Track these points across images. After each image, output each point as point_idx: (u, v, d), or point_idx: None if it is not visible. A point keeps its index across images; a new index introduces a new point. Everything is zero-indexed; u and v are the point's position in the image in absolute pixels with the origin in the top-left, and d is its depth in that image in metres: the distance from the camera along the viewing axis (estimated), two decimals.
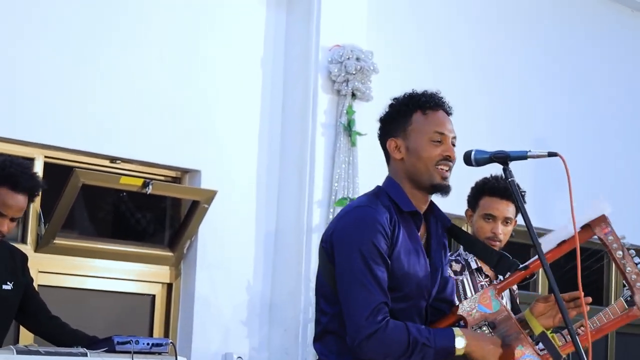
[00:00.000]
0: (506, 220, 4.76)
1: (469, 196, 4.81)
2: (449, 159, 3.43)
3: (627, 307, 5.29)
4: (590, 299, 3.52)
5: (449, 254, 3.67)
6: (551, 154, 3.38)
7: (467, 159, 3.45)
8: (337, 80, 6.23)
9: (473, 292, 4.66)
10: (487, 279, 4.85)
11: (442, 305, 3.52)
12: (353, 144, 6.25)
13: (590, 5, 8.24)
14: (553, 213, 7.38)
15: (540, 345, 3.53)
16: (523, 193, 4.42)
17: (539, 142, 7.68)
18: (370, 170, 6.18)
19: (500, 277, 4.89)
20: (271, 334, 6.18)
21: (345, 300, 3.29)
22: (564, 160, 3.33)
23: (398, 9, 6.88)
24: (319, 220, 6.16)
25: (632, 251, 3.46)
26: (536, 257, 3.41)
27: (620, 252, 3.43)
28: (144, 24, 5.80)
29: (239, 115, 6.18)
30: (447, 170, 3.42)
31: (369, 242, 3.27)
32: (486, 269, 4.86)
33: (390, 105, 3.53)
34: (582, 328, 3.76)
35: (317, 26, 6.29)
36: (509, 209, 4.78)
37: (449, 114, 3.53)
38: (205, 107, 6.02)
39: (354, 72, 6.19)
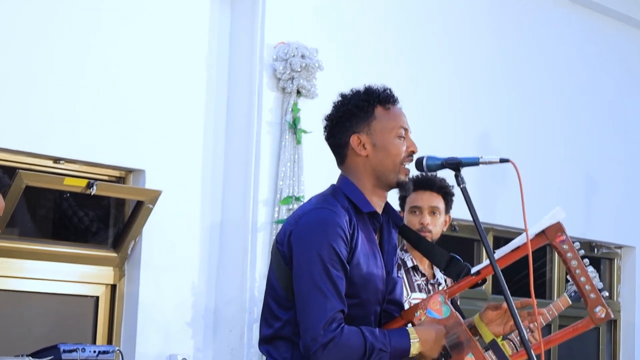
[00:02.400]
0: (432, 211, 4.76)
1: (399, 198, 4.81)
2: (412, 155, 3.39)
3: (570, 302, 5.34)
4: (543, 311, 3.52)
5: (398, 253, 3.63)
6: (503, 160, 3.37)
7: (419, 165, 3.41)
8: (282, 78, 6.19)
9: (409, 291, 4.66)
10: (423, 278, 4.84)
11: (391, 307, 3.48)
12: (298, 141, 6.22)
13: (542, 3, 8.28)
14: (496, 207, 7.42)
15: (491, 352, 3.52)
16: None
17: (483, 136, 7.70)
18: (316, 168, 6.18)
19: (438, 276, 4.90)
20: (216, 334, 6.14)
21: (301, 306, 3.21)
22: (515, 167, 3.32)
23: (343, 6, 6.84)
24: (264, 219, 6.12)
25: (586, 260, 3.46)
26: (487, 262, 3.41)
27: (575, 262, 3.42)
28: (86, 22, 5.71)
29: (183, 114, 6.11)
30: (408, 167, 3.40)
31: (329, 246, 3.20)
32: (423, 267, 4.85)
33: (344, 102, 3.42)
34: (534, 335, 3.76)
35: (262, 23, 6.24)
36: (433, 199, 4.79)
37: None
38: (149, 105, 5.94)
39: (299, 70, 6.15)
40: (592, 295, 3.42)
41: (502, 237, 7.90)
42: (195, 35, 6.21)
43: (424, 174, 4.60)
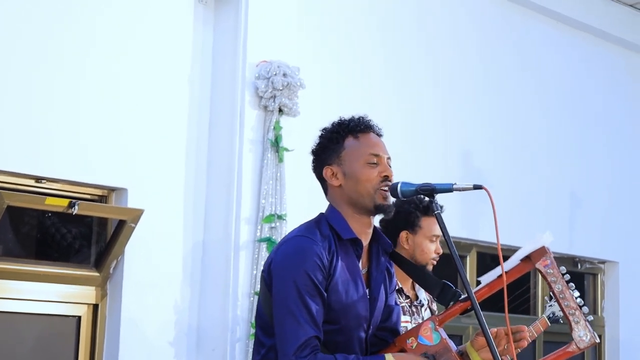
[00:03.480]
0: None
1: (400, 219, 4.79)
2: (387, 179, 3.44)
3: (549, 324, 5.38)
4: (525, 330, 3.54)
5: (394, 282, 3.65)
6: (476, 187, 3.41)
7: (394, 192, 3.45)
8: (264, 96, 6.19)
9: None
10: (407, 300, 4.86)
11: (385, 335, 3.54)
12: (280, 160, 6.22)
13: (511, 13, 8.31)
14: (480, 223, 7.44)
15: None
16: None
17: (467, 154, 7.73)
18: (298, 186, 6.18)
19: (421, 297, 4.92)
20: (199, 353, 6.12)
21: (278, 332, 3.29)
22: (489, 194, 3.36)
23: (326, 25, 6.87)
24: (246, 237, 6.11)
25: (572, 284, 3.47)
26: (477, 288, 3.47)
27: (560, 286, 3.45)
28: (67, 41, 5.71)
29: (166, 133, 6.10)
30: (387, 191, 3.43)
31: (304, 274, 3.28)
32: (406, 289, 4.87)
33: (320, 136, 3.54)
34: None
35: (244, 42, 6.25)
36: None
37: (379, 135, 3.55)
38: (132, 124, 5.94)
39: (280, 88, 6.16)
40: (577, 320, 3.43)
41: (486, 253, 7.92)
42: (177, 53, 6.21)
43: (423, 197, 4.61)
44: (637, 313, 8.84)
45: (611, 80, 9.15)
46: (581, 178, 8.68)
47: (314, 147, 3.54)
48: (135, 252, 5.90)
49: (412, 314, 4.85)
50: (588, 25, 8.78)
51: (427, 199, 3.57)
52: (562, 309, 3.45)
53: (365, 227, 3.48)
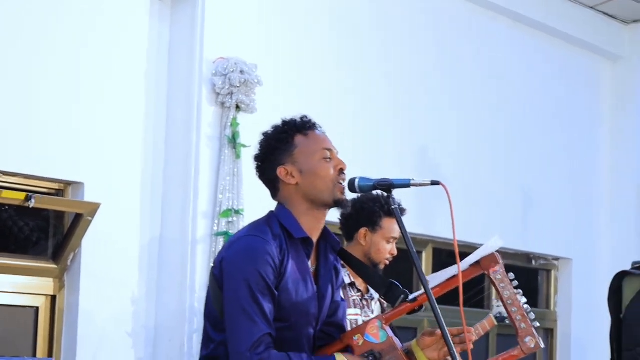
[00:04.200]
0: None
1: (362, 215, 4.86)
2: (343, 172, 3.50)
3: (496, 323, 5.49)
4: (471, 330, 3.61)
5: (342, 276, 3.73)
6: (434, 183, 3.47)
7: (351, 186, 3.52)
8: (221, 93, 6.24)
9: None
10: (358, 294, 4.93)
11: (332, 330, 3.60)
12: (238, 156, 6.27)
13: (468, 10, 8.40)
14: (436, 219, 7.51)
15: None
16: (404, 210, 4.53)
17: (422, 151, 7.81)
18: (255, 181, 6.17)
19: (371, 291, 4.99)
20: (156, 345, 6.17)
21: (230, 330, 3.33)
22: (446, 189, 3.43)
23: (283, 22, 6.93)
24: (203, 232, 6.17)
25: (520, 290, 3.53)
26: (423, 290, 3.49)
27: (507, 292, 3.51)
28: (22, 35, 5.74)
29: (123, 127, 6.15)
30: (343, 185, 3.50)
31: (256, 273, 3.32)
32: (358, 283, 4.94)
33: (266, 139, 3.56)
34: None
35: (201, 38, 6.29)
36: None
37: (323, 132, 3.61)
38: (88, 118, 5.98)
39: (238, 85, 6.21)
40: (523, 326, 3.50)
41: (442, 249, 7.99)
42: (134, 49, 6.25)
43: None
44: (589, 309, 8.94)
45: (568, 80, 9.23)
46: (537, 175, 8.76)
47: (260, 152, 3.56)
48: (93, 245, 5.94)
49: (362, 307, 4.92)
50: (548, 25, 8.84)
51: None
52: (509, 315, 3.52)
53: (318, 224, 3.52)
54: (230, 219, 6.18)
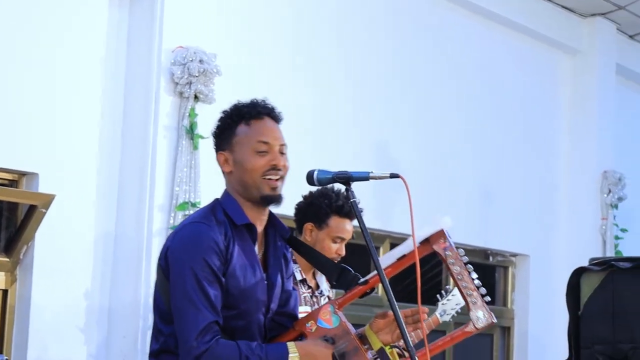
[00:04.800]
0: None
1: (310, 210, 4.79)
2: (276, 168, 3.41)
3: (440, 321, 5.45)
4: (426, 310, 3.58)
5: (291, 267, 3.66)
6: (393, 176, 3.42)
7: (310, 179, 3.46)
8: (180, 83, 6.17)
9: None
10: (309, 290, 4.87)
11: (284, 320, 3.53)
12: (195, 147, 6.21)
13: (426, 3, 8.36)
14: (393, 215, 7.49)
15: None
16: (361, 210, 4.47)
17: (380, 145, 7.77)
18: (213, 173, 6.07)
19: (322, 287, 4.93)
20: (110, 340, 6.08)
21: (177, 319, 3.27)
22: (405, 183, 3.38)
23: (243, 12, 6.86)
24: (160, 224, 6.09)
25: (470, 266, 3.50)
26: (375, 272, 3.45)
27: (457, 268, 3.47)
28: None
29: (79, 117, 6.04)
30: (276, 180, 3.41)
31: (201, 261, 3.27)
32: (309, 279, 4.88)
33: (218, 120, 3.51)
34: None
35: (160, 27, 6.21)
36: (352, 230, 4.83)
37: (277, 120, 3.51)
38: (44, 108, 5.87)
39: (196, 75, 6.14)
40: (475, 301, 3.45)
41: (400, 244, 7.96)
42: (92, 38, 6.15)
43: (342, 196, 4.63)
44: (546, 305, 8.96)
45: (527, 74, 9.23)
46: (495, 172, 8.76)
47: (213, 131, 3.52)
48: (46, 238, 5.84)
49: (312, 304, 4.86)
50: (507, 18, 8.84)
51: (344, 195, 3.56)
52: (459, 290, 3.47)
53: (260, 215, 3.46)
54: (186, 212, 6.10)
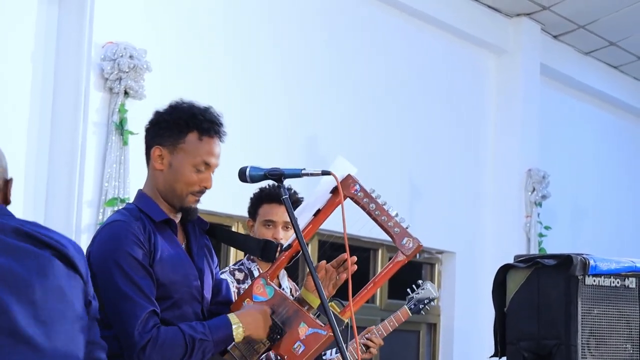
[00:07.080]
0: (286, 225, 4.80)
1: (249, 207, 4.82)
2: (205, 189, 3.47)
3: (410, 314, 5.50)
4: (355, 259, 3.63)
5: (215, 257, 3.69)
6: (325, 173, 3.49)
7: (242, 176, 3.49)
8: (110, 78, 6.14)
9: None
10: None
11: (221, 308, 3.56)
12: (125, 143, 6.18)
13: (356, 2, 8.40)
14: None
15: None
16: (301, 199, 4.48)
17: (311, 140, 7.78)
18: (142, 170, 6.05)
19: (284, 285, 4.94)
20: None
21: (114, 317, 3.26)
22: (337, 180, 3.47)
23: (174, 7, 6.82)
24: (88, 220, 6.06)
25: (385, 201, 3.56)
26: (294, 236, 3.53)
27: (373, 205, 3.55)
28: None
29: (6, 112, 5.98)
30: (198, 198, 3.47)
31: (124, 254, 3.27)
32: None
33: (167, 112, 3.48)
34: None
35: (90, 22, 6.17)
36: (286, 213, 4.82)
37: (221, 141, 3.53)
38: None
39: (127, 70, 6.12)
40: (397, 230, 3.52)
41: (327, 242, 7.98)
42: (21, 32, 6.09)
43: (274, 185, 4.64)
44: (471, 302, 9.03)
45: (454, 73, 9.28)
46: (422, 169, 8.81)
47: (156, 119, 3.48)
48: None
49: None
50: (434, 18, 8.86)
51: (274, 186, 3.57)
52: (380, 225, 3.53)
53: (174, 212, 3.49)
54: (115, 208, 6.06)
